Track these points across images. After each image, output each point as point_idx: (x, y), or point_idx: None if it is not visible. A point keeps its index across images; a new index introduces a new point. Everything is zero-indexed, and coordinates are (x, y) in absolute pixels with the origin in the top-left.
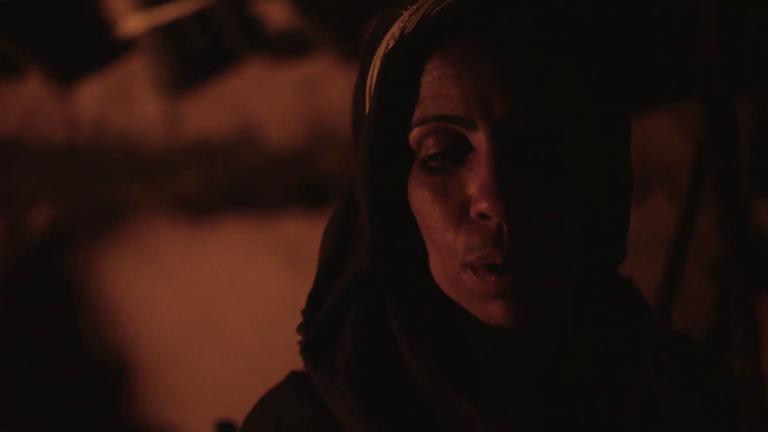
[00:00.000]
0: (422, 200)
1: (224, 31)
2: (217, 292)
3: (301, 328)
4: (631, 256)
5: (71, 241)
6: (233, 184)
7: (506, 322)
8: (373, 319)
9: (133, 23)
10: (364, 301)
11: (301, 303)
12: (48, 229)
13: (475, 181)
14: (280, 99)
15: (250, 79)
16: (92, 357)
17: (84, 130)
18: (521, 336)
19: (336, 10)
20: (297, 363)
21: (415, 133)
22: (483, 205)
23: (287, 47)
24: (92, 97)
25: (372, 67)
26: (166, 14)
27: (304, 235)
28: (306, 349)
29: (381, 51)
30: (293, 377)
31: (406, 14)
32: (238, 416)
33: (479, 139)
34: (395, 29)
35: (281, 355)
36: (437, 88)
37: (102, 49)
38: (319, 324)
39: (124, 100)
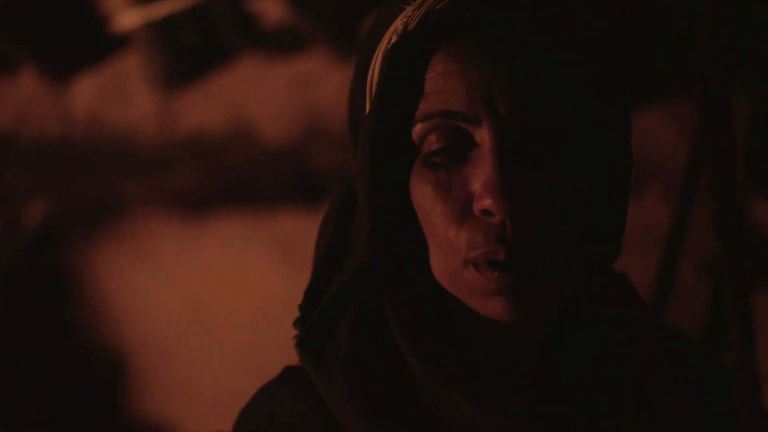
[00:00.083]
0: (424, 196)
1: (219, 27)
2: (212, 287)
3: (297, 323)
4: (624, 252)
5: (65, 236)
6: (228, 179)
7: (507, 319)
8: (371, 316)
9: (127, 19)
10: (361, 297)
11: (297, 299)
12: (42, 225)
13: (479, 177)
14: (275, 95)
15: (244, 75)
16: (86, 353)
17: (78, 125)
18: (520, 334)
19: (331, 6)
20: (292, 358)
21: (417, 128)
22: (487, 202)
23: (282, 43)
24: (87, 92)
25: (373, 63)
26: (160, 10)
27: (299, 231)
28: (302, 343)
29: (382, 47)
30: (288, 372)
31: (409, 9)
32: (234, 411)
33: (483, 135)
34: (398, 25)
35: (276, 351)
36: (441, 84)
37: (97, 44)
38: (316, 319)
39: (119, 96)
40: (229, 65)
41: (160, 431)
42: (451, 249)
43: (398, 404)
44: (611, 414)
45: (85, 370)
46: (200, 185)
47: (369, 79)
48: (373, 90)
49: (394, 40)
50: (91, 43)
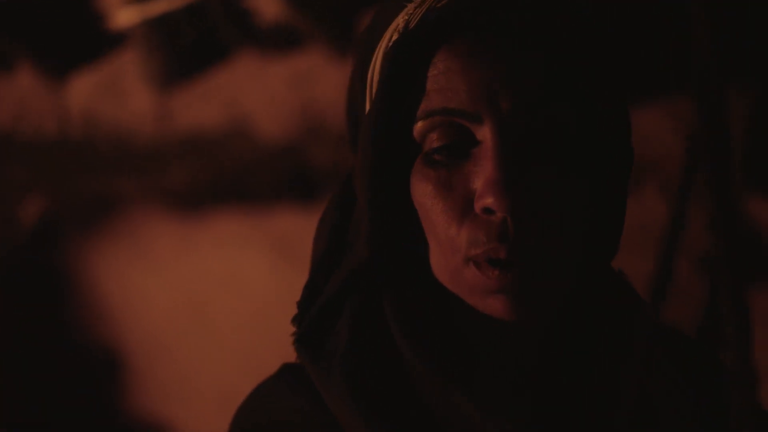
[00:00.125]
0: (425, 194)
1: (216, 25)
2: (209, 285)
3: (295, 320)
4: (621, 249)
5: (62, 234)
6: (225, 177)
7: (507, 317)
8: (369, 315)
9: (124, 16)
10: (360, 296)
11: (294, 296)
12: (39, 222)
13: (480, 175)
14: (272, 92)
15: (241, 72)
16: (83, 350)
17: (75, 123)
18: (520, 333)
19: (327, 4)
20: (289, 356)
21: (419, 126)
22: (489, 200)
23: (279, 41)
24: (84, 90)
25: (373, 61)
26: (157, 7)
27: (295, 229)
28: (300, 341)
29: (383, 44)
30: (285, 369)
31: (410, 6)
32: (231, 409)
33: (485, 133)
34: (399, 22)
35: (273, 348)
36: (443, 82)
37: (94, 42)
38: (314, 317)
39: (116, 94)
40: (226, 63)
41: (157, 428)
42: (452, 247)
43: (397, 403)
44: (610, 413)
45: (82, 368)
46: (197, 183)
47: (369, 76)
48: (374, 88)
49: (395, 37)
50: (88, 41)
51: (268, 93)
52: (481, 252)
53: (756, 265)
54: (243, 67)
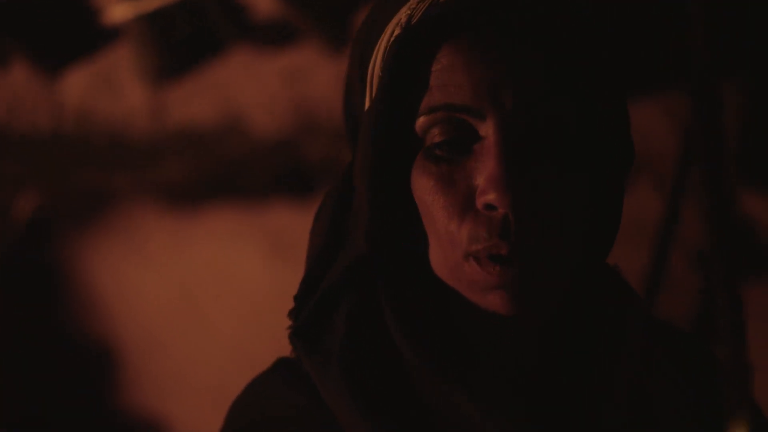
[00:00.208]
0: (426, 189)
1: (210, 20)
2: (203, 280)
3: (292, 314)
4: (616, 244)
5: (56, 229)
6: (219, 172)
7: (506, 312)
8: (366, 310)
9: (118, 12)
10: (357, 291)
11: (288, 291)
12: (33, 217)
13: (482, 171)
14: (266, 87)
15: (235, 67)
16: (78, 346)
17: (69, 118)
18: (519, 331)
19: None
20: (284, 351)
21: (421, 121)
22: (491, 196)
23: (273, 36)
24: (78, 85)
25: (374, 55)
26: (151, 3)
27: (290, 223)
28: (297, 334)
29: (384, 39)
30: (280, 364)
31: (413, 1)
32: (225, 403)
33: (488, 129)
34: (401, 17)
35: (267, 344)
36: (446, 77)
37: (88, 37)
38: (311, 311)
39: (110, 89)
40: (221, 58)
41: (152, 423)
42: (452, 242)
43: (395, 399)
44: (608, 409)
45: (76, 363)
46: (191, 178)
47: (369, 71)
48: (374, 82)
49: (397, 32)
50: (82, 36)
51: (263, 88)
52: (482, 248)
53: (750, 259)
54: (237, 63)
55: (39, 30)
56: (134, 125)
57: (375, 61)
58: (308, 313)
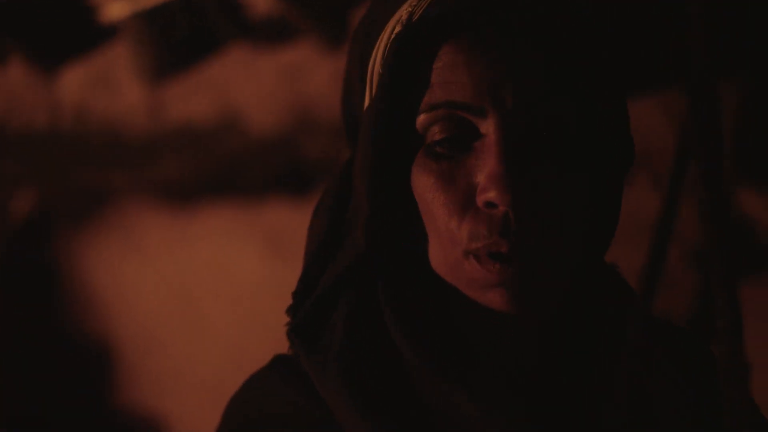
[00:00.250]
0: (426, 186)
1: (207, 17)
2: (201, 278)
3: (290, 311)
4: (613, 242)
5: (54, 227)
6: (216, 170)
7: (506, 309)
8: (365, 309)
9: (115, 9)
10: (356, 288)
11: (285, 289)
12: (30, 216)
13: (483, 169)
14: (263, 85)
15: (233, 65)
16: (75, 344)
17: (67, 116)
18: (518, 329)
19: None
20: (281, 349)
21: (421, 119)
22: (491, 194)
23: (270, 33)
24: (75, 83)
25: (374, 53)
26: (148, 0)
27: (287, 221)
28: (295, 332)
29: (385, 36)
30: (278, 361)
31: None
32: (222, 401)
33: (488, 127)
34: (402, 14)
35: (265, 341)
36: (447, 75)
37: (85, 35)
38: (309, 308)
39: (107, 86)
40: (218, 56)
41: (150, 421)
42: (451, 240)
43: (394, 399)
44: (608, 409)
45: (74, 361)
46: (189, 176)
47: (369, 68)
48: (374, 80)
49: (398, 30)
50: (79, 34)
51: (260, 86)
52: (482, 245)
53: (747, 257)
54: (235, 60)
55: (36, 28)
56: (132, 123)
57: (375, 59)
58: (307, 310)
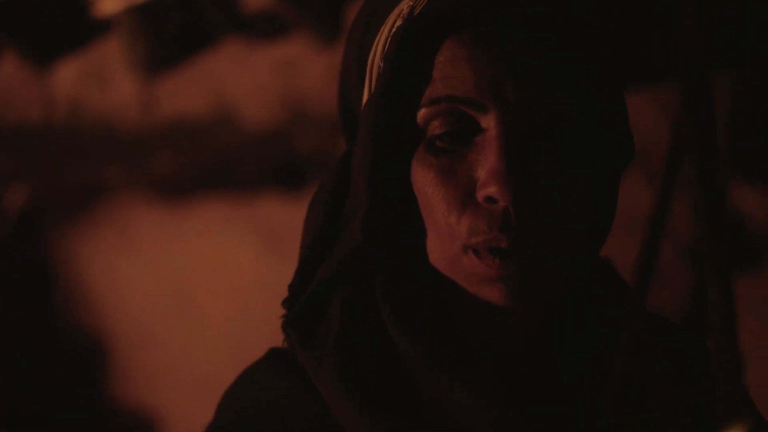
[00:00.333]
0: (426, 181)
1: (201, 12)
2: (194, 273)
3: (286, 303)
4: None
5: (48, 222)
6: (210, 164)
7: (505, 304)
8: (362, 302)
9: (109, 4)
10: (353, 282)
11: (279, 283)
12: (24, 210)
13: (484, 164)
14: (257, 79)
15: (226, 59)
16: (69, 338)
17: (60, 110)
18: (514, 322)
19: None
20: (275, 343)
21: (422, 113)
22: (492, 189)
23: (264, 28)
24: (69, 77)
25: (374, 46)
26: None
27: (281, 216)
28: (291, 324)
29: (386, 30)
30: (273, 354)
31: None
32: (217, 396)
33: (489, 122)
34: (403, 8)
35: (259, 336)
36: (449, 69)
37: (79, 29)
38: (305, 301)
39: (101, 81)
40: (212, 50)
41: (144, 416)
42: (450, 234)
43: (391, 393)
44: (601, 400)
45: (67, 356)
46: (182, 170)
47: (369, 62)
48: (374, 73)
49: (399, 23)
50: (73, 28)
51: (254, 80)
52: (482, 240)
53: (741, 252)
54: (228, 55)
55: (30, 23)
56: (125, 118)
57: (375, 52)
58: (303, 304)
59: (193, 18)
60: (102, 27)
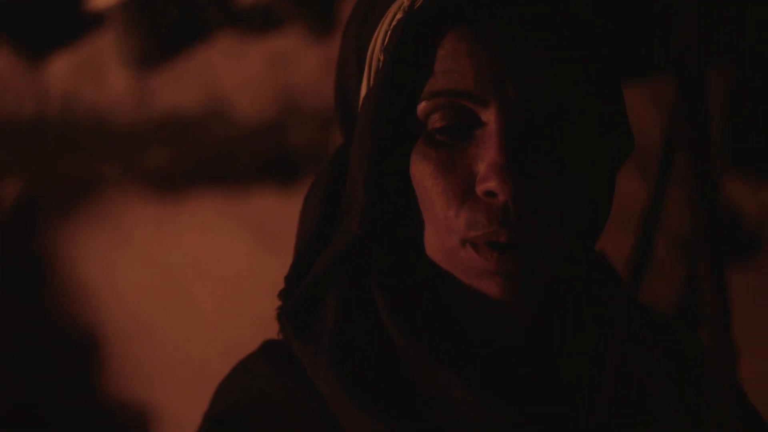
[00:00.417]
0: (425, 174)
1: (194, 5)
2: (188, 267)
3: (282, 295)
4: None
5: (41, 216)
6: (203, 158)
7: (502, 298)
8: (358, 296)
9: None
10: (349, 276)
11: (272, 278)
12: (17, 204)
13: (483, 158)
14: (251, 73)
15: (220, 53)
16: (62, 332)
17: (54, 104)
18: (510, 315)
19: None
20: (268, 337)
21: (422, 106)
22: (491, 183)
23: (257, 21)
24: (62, 71)
25: (373, 39)
26: None
27: (274, 210)
28: (287, 317)
29: (386, 23)
30: (267, 346)
31: None
32: (210, 390)
33: (490, 116)
34: (404, 0)
35: (252, 330)
36: (450, 63)
37: (72, 23)
38: (301, 294)
39: (94, 75)
40: (205, 44)
41: (138, 410)
42: (448, 228)
43: (388, 388)
44: (595, 392)
45: (61, 351)
46: (176, 164)
47: (369, 55)
48: (373, 66)
49: (399, 16)
50: (66, 22)
51: (247, 74)
52: (481, 234)
53: (734, 245)
54: (221, 48)
55: (23, 16)
56: (119, 111)
57: (375, 45)
58: (298, 297)
59: (187, 11)
60: (95, 21)
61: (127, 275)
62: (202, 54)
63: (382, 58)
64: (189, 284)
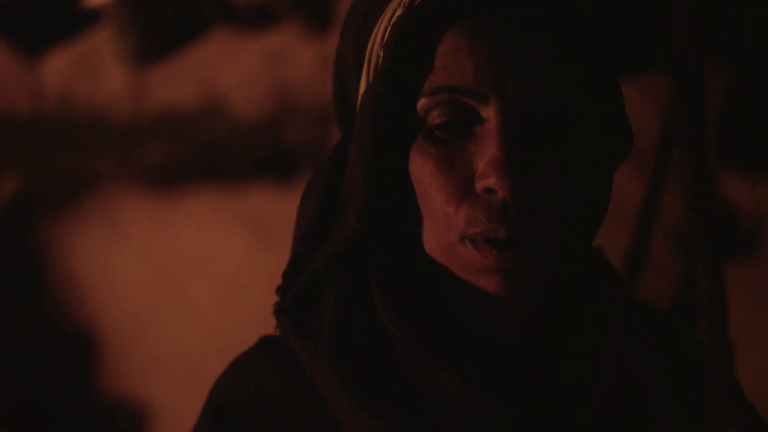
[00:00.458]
0: (425, 170)
1: (191, 2)
2: (184, 263)
3: (279, 291)
4: None
5: (37, 212)
6: (200, 155)
7: (501, 294)
8: (356, 293)
9: None
10: (347, 272)
11: (269, 274)
12: (14, 201)
13: (483, 155)
14: (247, 70)
15: (216, 49)
16: (58, 329)
17: (50, 101)
18: (509, 310)
19: None
20: (265, 333)
21: (422, 103)
22: (491, 180)
23: (254, 18)
24: (58, 68)
25: (373, 35)
26: None
27: (271, 207)
28: (285, 312)
29: (386, 19)
30: (264, 342)
31: None
32: (206, 386)
33: (490, 113)
34: None
35: (249, 327)
36: (450, 60)
37: (68, 20)
38: (299, 290)
39: (91, 71)
40: (201, 40)
41: (134, 406)
42: (447, 224)
43: (387, 385)
44: (592, 388)
45: (58, 347)
46: (172, 161)
47: (368, 51)
48: (373, 62)
49: (399, 12)
50: (62, 19)
51: (243, 70)
52: (480, 231)
53: (731, 241)
54: (218, 45)
55: (19, 13)
56: (115, 108)
57: (374, 42)
58: (296, 293)
59: (183, 8)
60: (92, 17)
61: (123, 272)
62: (199, 51)
63: (381, 54)
64: (186, 281)
